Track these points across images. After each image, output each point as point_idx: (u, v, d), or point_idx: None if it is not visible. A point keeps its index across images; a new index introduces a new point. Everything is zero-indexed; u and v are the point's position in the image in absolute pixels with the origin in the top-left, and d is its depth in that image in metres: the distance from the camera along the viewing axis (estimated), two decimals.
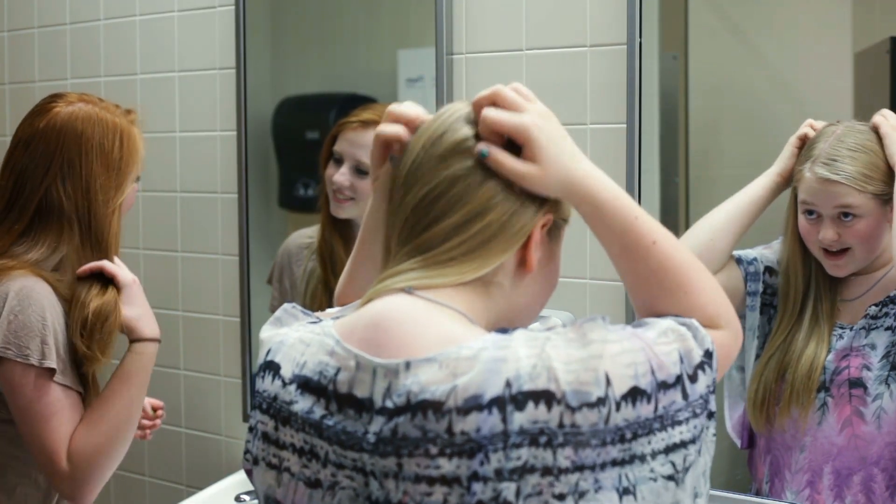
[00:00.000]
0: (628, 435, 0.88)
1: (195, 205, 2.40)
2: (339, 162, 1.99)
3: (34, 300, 1.53)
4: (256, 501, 2.04)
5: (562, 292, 1.90)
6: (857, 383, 1.56)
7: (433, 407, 0.87)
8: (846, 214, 1.54)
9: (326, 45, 2.33)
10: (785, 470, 1.64)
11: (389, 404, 0.90)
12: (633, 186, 1.79)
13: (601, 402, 0.87)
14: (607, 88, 1.84)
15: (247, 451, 1.04)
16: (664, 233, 1.01)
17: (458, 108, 1.04)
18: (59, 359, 1.54)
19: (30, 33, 2.66)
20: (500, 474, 0.85)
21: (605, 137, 1.85)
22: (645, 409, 0.89)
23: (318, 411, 0.95)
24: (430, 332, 0.93)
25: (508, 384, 0.86)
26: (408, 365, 0.90)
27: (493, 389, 0.86)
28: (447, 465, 0.86)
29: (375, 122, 1.96)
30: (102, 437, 1.56)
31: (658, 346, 0.92)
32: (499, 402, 0.86)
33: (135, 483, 2.52)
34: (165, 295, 2.44)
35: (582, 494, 0.86)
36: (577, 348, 0.89)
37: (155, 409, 1.97)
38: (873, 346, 1.57)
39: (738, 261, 1.68)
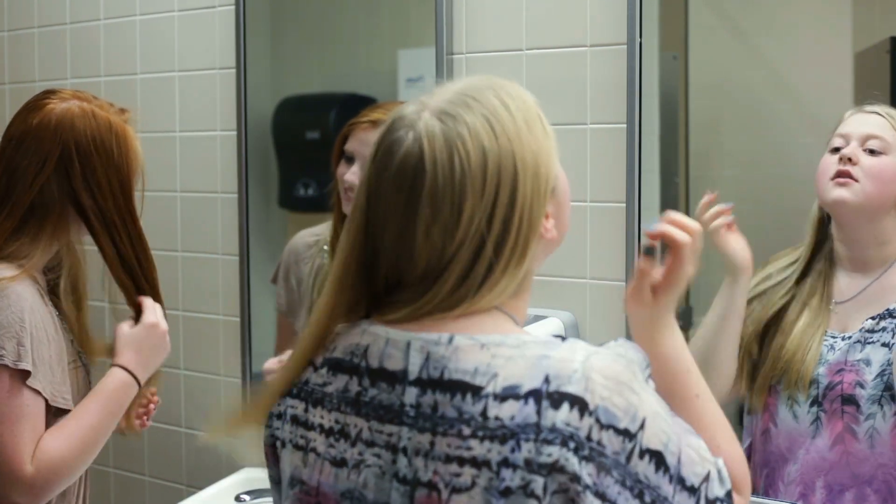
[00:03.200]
0: (648, 498, 0.88)
1: (195, 205, 2.40)
2: (350, 161, 2.00)
3: (13, 301, 1.51)
4: (257, 501, 2.05)
5: (562, 292, 1.90)
6: (849, 400, 1.55)
7: (472, 390, 0.89)
8: (871, 149, 1.55)
9: (326, 45, 2.33)
10: (779, 481, 1.63)
11: (424, 376, 0.92)
12: (633, 186, 1.79)
13: (627, 434, 0.88)
14: (607, 88, 1.84)
15: (270, 435, 1.05)
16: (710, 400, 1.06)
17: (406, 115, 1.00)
18: (34, 363, 1.51)
19: (30, 33, 2.66)
20: (530, 465, 0.86)
21: (605, 137, 1.84)
22: (665, 486, 0.90)
23: (354, 388, 0.97)
24: (476, 319, 0.95)
25: (547, 380, 0.88)
26: (451, 339, 0.92)
27: (532, 382, 0.88)
28: (478, 448, 0.88)
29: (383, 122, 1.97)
30: (72, 448, 1.53)
31: (688, 449, 0.93)
32: (535, 395, 0.87)
33: (135, 483, 2.52)
34: (165, 295, 2.44)
35: None
36: (622, 366, 0.91)
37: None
38: (868, 362, 1.55)
39: None
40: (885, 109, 1.58)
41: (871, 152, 1.56)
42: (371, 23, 2.26)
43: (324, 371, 1.00)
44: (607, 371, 0.89)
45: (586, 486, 0.86)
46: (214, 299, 2.37)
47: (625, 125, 1.81)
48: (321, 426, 0.98)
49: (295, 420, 1.01)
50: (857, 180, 1.55)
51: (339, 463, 0.96)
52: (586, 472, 0.86)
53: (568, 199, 1.05)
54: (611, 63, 1.83)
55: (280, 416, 1.03)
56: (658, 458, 0.89)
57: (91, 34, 2.54)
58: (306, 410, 1.00)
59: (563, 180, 1.03)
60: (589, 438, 0.86)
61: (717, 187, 1.93)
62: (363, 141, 1.98)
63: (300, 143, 2.31)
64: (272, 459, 1.06)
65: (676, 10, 1.87)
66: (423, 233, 0.94)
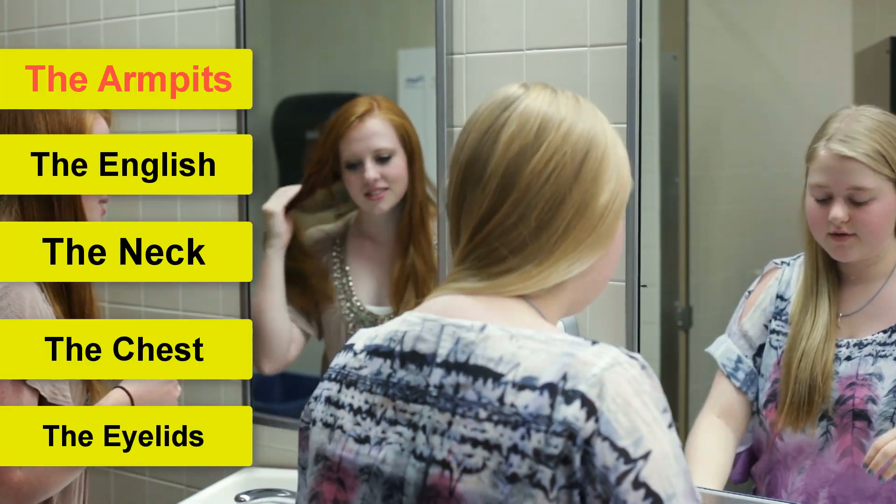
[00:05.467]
0: None
1: (195, 205, 2.39)
2: (359, 165, 1.99)
3: (13, 300, 1.52)
4: (257, 501, 2.05)
5: None
6: (861, 415, 1.52)
7: (493, 376, 0.91)
8: (857, 198, 1.51)
9: (326, 45, 2.33)
10: (781, 489, 1.61)
11: (451, 359, 0.94)
12: (634, 186, 1.79)
13: (625, 454, 0.86)
14: (607, 88, 1.84)
15: (305, 416, 1.07)
16: None
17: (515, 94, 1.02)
18: None
19: (30, 33, 2.66)
20: (538, 455, 0.87)
21: None
22: None
23: (385, 371, 0.99)
24: (508, 313, 0.97)
25: (565, 378, 0.89)
26: (483, 327, 0.94)
27: (550, 375, 0.89)
28: (492, 431, 0.90)
29: (369, 111, 1.99)
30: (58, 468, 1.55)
31: None
32: (551, 389, 0.89)
33: (135, 483, 2.52)
34: (166, 295, 2.44)
35: None
36: (634, 391, 0.89)
37: None
38: (880, 377, 1.52)
39: (728, 377, 1.67)
40: (860, 150, 1.51)
41: (856, 200, 1.51)
42: (371, 23, 2.26)
43: (362, 356, 1.02)
44: (620, 389, 0.88)
45: (578, 483, 0.86)
46: (214, 299, 2.37)
47: (625, 125, 1.81)
48: (350, 405, 1.00)
49: (328, 400, 1.03)
50: (854, 234, 1.53)
51: (363, 440, 0.98)
52: (580, 472, 0.86)
53: (619, 249, 1.06)
54: (611, 63, 1.83)
55: (317, 398, 1.06)
56: (655, 501, 0.86)
57: (91, 34, 2.54)
58: (339, 391, 1.02)
59: (622, 232, 1.04)
60: (587, 442, 0.86)
61: (717, 187, 1.93)
62: (360, 138, 1.99)
63: (300, 143, 2.31)
64: (303, 444, 1.07)
65: (676, 10, 1.87)
66: (502, 152, 0.96)
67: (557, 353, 0.91)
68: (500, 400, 0.90)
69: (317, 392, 1.06)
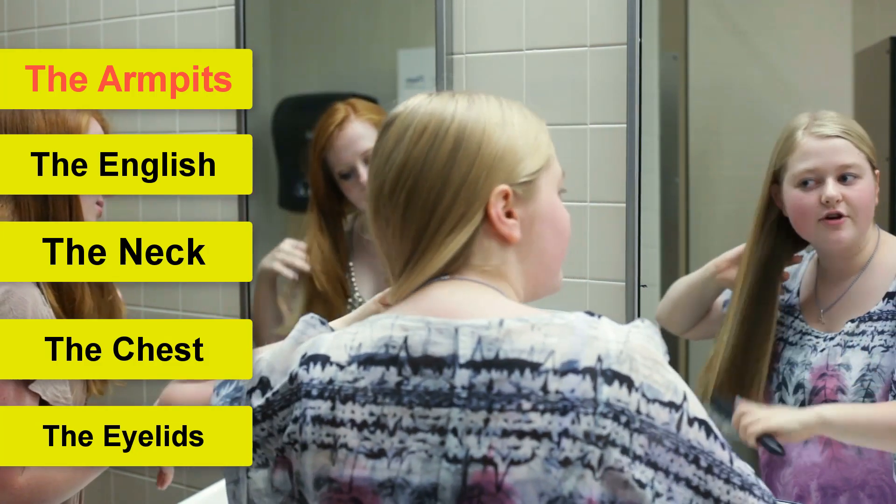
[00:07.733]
0: (703, 462, 0.92)
1: (195, 205, 2.40)
2: (354, 173, 1.93)
3: (15, 305, 1.51)
4: None
5: (561, 292, 1.89)
6: None
7: (531, 366, 0.91)
8: (845, 177, 1.52)
9: (326, 45, 2.34)
10: (776, 482, 1.63)
11: (478, 357, 0.93)
12: (633, 186, 1.79)
13: (673, 405, 0.91)
14: (607, 88, 1.84)
15: (287, 438, 1.03)
16: None
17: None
18: None
19: (30, 33, 2.66)
20: (588, 437, 0.89)
21: (605, 137, 1.85)
22: (719, 451, 0.93)
23: (392, 379, 0.96)
24: (502, 303, 0.99)
25: (600, 359, 0.91)
26: (501, 322, 0.94)
27: (587, 360, 0.91)
28: (539, 420, 0.90)
29: (346, 118, 1.94)
30: (61, 474, 1.54)
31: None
32: (591, 372, 0.90)
33: (135, 483, 2.52)
34: (166, 295, 2.44)
35: (658, 494, 0.90)
36: (654, 346, 0.94)
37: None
38: (848, 367, 1.53)
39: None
40: (841, 128, 1.53)
41: (844, 179, 1.52)
42: (371, 23, 2.26)
43: (353, 368, 0.98)
44: (645, 351, 0.92)
45: (636, 457, 0.89)
46: (215, 299, 2.37)
47: (625, 125, 1.81)
48: (353, 421, 0.97)
49: (318, 420, 0.99)
50: (847, 216, 1.53)
51: (377, 455, 0.96)
52: (637, 443, 0.89)
53: (556, 223, 1.06)
54: (611, 63, 1.83)
55: (296, 419, 1.01)
56: (706, 427, 0.93)
57: (91, 34, 2.54)
58: (333, 409, 0.98)
59: (554, 205, 1.05)
60: (638, 412, 0.90)
61: (717, 187, 1.93)
62: (345, 145, 1.91)
63: (300, 143, 2.31)
64: (281, 464, 1.04)
65: (676, 10, 1.87)
66: (402, 161, 1.01)
67: (584, 335, 0.92)
68: (544, 388, 0.90)
69: (296, 412, 1.00)
